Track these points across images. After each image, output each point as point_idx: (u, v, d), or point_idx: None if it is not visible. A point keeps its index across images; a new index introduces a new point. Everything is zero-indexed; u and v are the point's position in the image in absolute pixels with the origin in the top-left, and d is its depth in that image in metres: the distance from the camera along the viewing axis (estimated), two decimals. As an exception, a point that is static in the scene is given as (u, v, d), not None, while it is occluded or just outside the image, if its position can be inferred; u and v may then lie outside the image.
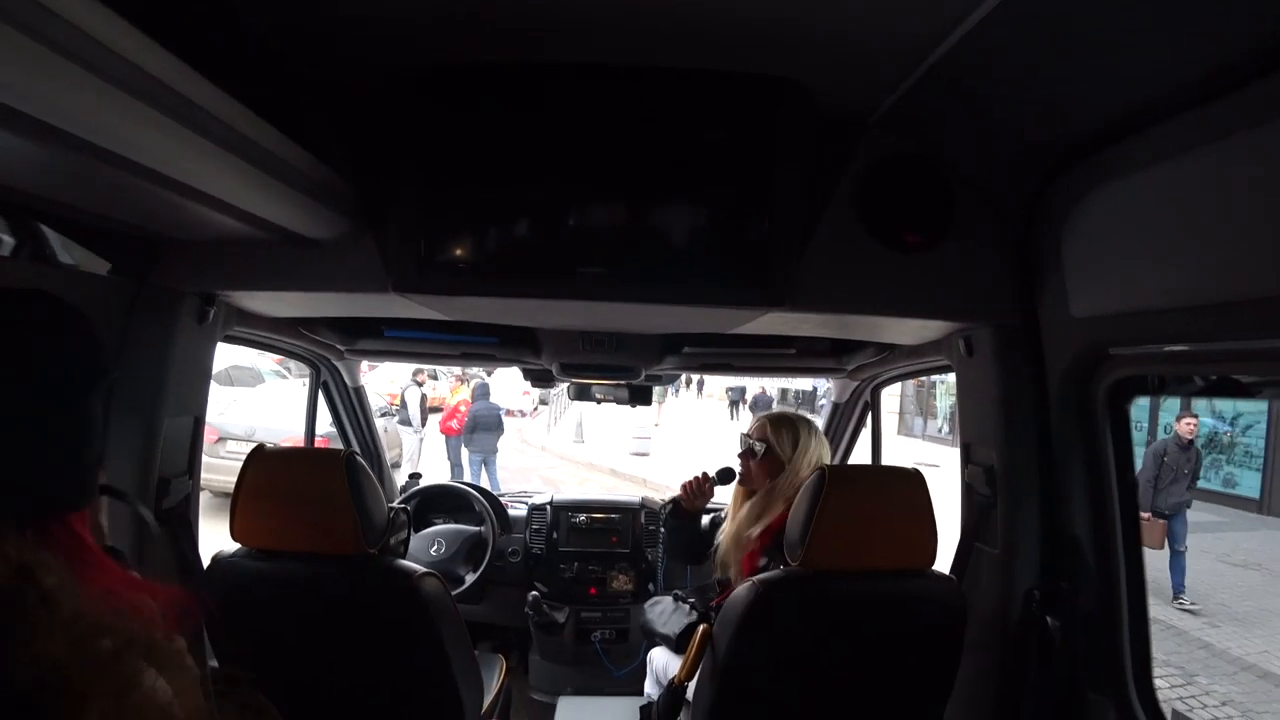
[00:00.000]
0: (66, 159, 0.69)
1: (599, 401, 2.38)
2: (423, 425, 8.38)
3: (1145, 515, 5.08)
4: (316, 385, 2.26)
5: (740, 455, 1.79)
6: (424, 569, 1.30)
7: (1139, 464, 4.74)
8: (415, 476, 2.88)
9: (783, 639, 1.21)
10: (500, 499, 2.62)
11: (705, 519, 1.99)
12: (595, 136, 1.17)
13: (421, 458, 8.32)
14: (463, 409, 8.12)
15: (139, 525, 1.33)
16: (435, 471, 8.58)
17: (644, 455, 11.47)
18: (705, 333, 1.74)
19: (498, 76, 1.15)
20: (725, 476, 1.85)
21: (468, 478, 8.04)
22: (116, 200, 0.95)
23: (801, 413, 1.93)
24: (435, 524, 2.58)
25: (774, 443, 1.69)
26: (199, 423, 1.46)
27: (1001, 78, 1.01)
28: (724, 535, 1.77)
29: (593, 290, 1.20)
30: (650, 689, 2.01)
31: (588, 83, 1.15)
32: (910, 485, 1.23)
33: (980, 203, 1.28)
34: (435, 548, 2.26)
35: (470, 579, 2.24)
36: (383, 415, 8.52)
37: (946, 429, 14.27)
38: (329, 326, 1.93)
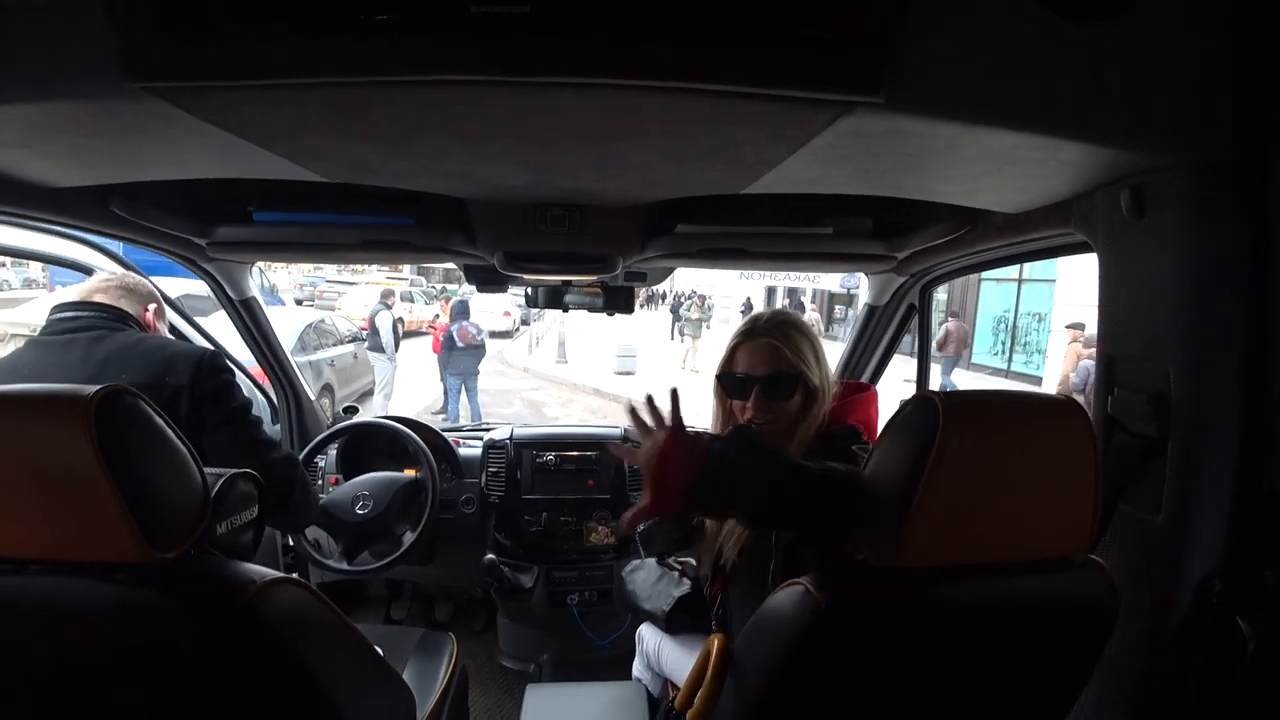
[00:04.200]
0: None
1: (566, 308, 1.80)
2: (395, 350, 7.80)
3: None
4: None
5: (754, 404, 1.09)
6: (274, 574, 0.80)
7: None
8: (350, 410, 2.37)
9: (856, 679, 0.74)
10: (448, 437, 2.12)
11: None
12: None
13: (395, 387, 7.81)
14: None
15: None
16: (411, 401, 8.16)
17: (629, 374, 11.05)
18: (707, 199, 1.15)
19: None
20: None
21: (444, 402, 7.63)
22: None
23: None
24: (374, 470, 2.11)
25: (802, 365, 1.10)
26: None
27: None
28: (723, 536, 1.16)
29: (512, 56, 0.62)
30: (640, 672, 1.60)
31: None
32: (1068, 425, 0.72)
33: None
34: (361, 505, 1.77)
35: (409, 539, 1.77)
36: (353, 341, 7.97)
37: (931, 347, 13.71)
38: (162, 209, 1.33)
